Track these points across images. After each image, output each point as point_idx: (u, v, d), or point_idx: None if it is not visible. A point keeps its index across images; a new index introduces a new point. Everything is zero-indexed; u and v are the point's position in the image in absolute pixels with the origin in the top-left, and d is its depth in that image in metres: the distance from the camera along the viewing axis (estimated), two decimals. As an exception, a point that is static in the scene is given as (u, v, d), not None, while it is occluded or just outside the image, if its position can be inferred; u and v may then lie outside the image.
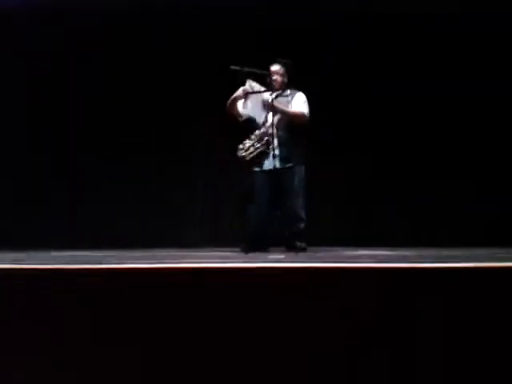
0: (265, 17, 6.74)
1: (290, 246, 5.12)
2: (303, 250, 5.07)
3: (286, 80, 5.34)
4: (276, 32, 6.63)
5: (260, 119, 5.18)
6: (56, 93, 7.09)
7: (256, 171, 5.22)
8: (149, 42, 7.01)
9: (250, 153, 5.11)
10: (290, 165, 5.21)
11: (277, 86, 5.22)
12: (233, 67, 5.00)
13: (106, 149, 7.04)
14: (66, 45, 7.04)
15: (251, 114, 5.21)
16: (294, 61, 5.41)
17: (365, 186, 6.78)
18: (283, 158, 5.19)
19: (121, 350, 3.19)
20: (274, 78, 5.17)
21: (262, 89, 5.11)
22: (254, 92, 5.11)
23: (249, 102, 5.15)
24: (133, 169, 7.06)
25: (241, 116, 5.32)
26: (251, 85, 5.10)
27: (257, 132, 5.11)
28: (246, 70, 5.02)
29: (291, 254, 4.70)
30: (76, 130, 7.08)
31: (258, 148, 5.08)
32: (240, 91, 5.14)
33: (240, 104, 5.22)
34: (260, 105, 5.12)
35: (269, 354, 3.12)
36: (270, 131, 5.05)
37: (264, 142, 5.06)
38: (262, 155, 5.09)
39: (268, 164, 5.14)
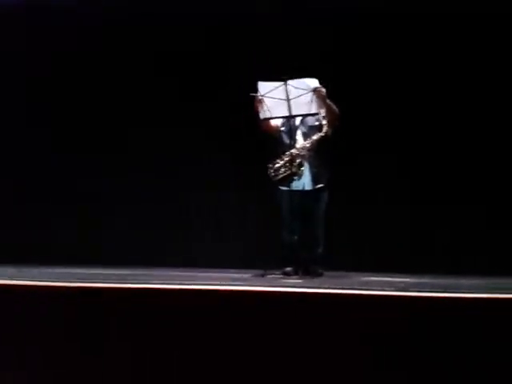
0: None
1: (306, 270, 5.24)
2: (320, 275, 5.21)
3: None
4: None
5: (283, 113, 5.20)
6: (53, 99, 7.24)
7: (283, 190, 5.32)
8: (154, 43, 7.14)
9: (280, 173, 5.17)
10: (320, 186, 5.34)
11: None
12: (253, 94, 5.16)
13: (107, 161, 7.10)
14: (66, 44, 7.16)
15: (274, 115, 5.26)
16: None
17: (382, 211, 6.80)
18: (313, 180, 5.32)
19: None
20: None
21: (274, 84, 5.13)
22: (265, 95, 5.13)
23: (266, 105, 5.18)
24: (139, 184, 7.09)
25: (277, 129, 5.45)
26: (260, 89, 5.16)
27: (288, 153, 5.18)
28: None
29: (307, 279, 4.86)
30: (73, 140, 7.16)
31: (288, 169, 5.14)
32: (255, 101, 5.22)
33: (262, 112, 5.25)
34: (276, 102, 5.12)
35: (280, 377, 3.26)
36: (303, 153, 5.20)
37: (296, 163, 5.13)
38: (292, 176, 5.15)
39: (296, 184, 5.25)
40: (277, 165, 5.17)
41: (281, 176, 5.15)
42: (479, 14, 6.63)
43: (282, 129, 5.44)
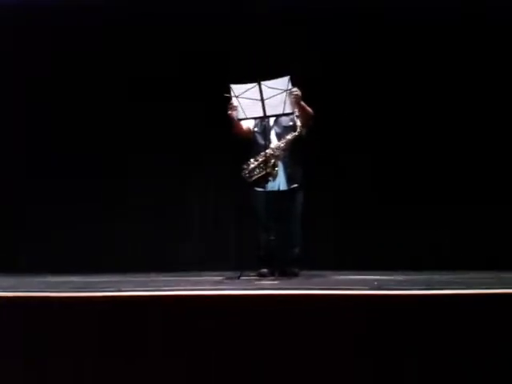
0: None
1: (283, 271, 5.27)
2: (296, 275, 5.26)
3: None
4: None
5: (257, 113, 5.21)
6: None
7: (258, 191, 5.33)
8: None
9: (255, 174, 5.20)
10: (294, 186, 5.36)
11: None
12: (226, 94, 5.16)
13: (99, 168, 7.13)
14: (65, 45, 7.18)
15: (249, 115, 5.28)
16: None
17: (356, 210, 6.96)
18: (288, 180, 5.35)
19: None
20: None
21: (248, 86, 5.15)
22: (239, 96, 5.17)
23: (240, 108, 5.21)
24: (126, 187, 7.21)
25: (249, 131, 5.48)
26: (234, 91, 5.17)
27: (262, 153, 5.19)
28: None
29: (283, 280, 4.89)
30: (67, 147, 7.17)
31: (263, 170, 5.16)
32: (229, 107, 5.24)
33: (237, 113, 5.27)
34: (251, 102, 5.16)
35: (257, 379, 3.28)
36: (277, 153, 5.21)
37: (270, 164, 5.15)
38: (267, 177, 5.17)
39: (271, 185, 5.27)
40: (251, 166, 5.19)
41: (255, 177, 5.17)
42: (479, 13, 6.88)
43: (256, 129, 5.45)
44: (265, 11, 6.96)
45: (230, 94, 5.15)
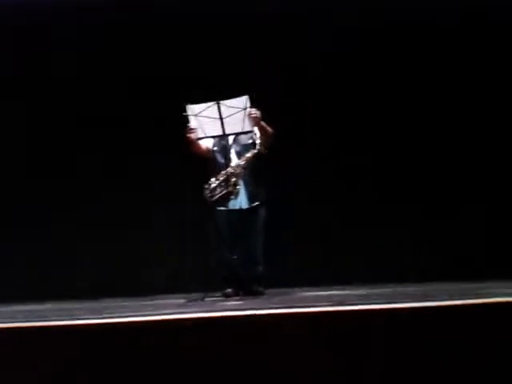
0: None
1: (248, 290, 5.28)
2: (261, 293, 5.26)
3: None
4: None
5: (216, 132, 5.25)
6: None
7: (220, 210, 5.32)
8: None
9: (217, 193, 5.19)
10: (256, 204, 5.34)
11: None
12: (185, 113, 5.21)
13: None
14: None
15: (208, 134, 5.31)
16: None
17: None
18: (249, 198, 5.34)
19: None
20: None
21: (205, 105, 5.20)
22: (198, 115, 5.21)
23: (199, 129, 5.26)
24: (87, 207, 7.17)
25: (208, 151, 5.47)
26: (193, 111, 5.21)
27: (223, 172, 5.20)
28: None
29: (248, 300, 4.92)
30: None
31: (224, 188, 5.17)
32: (188, 131, 5.28)
33: (195, 136, 5.31)
34: (209, 121, 5.20)
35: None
36: (238, 171, 5.20)
37: (231, 182, 5.15)
38: (228, 195, 5.18)
39: (233, 204, 5.27)
40: (212, 185, 5.18)
41: (217, 196, 5.17)
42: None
43: (215, 148, 5.45)
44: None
45: (187, 113, 5.19)
